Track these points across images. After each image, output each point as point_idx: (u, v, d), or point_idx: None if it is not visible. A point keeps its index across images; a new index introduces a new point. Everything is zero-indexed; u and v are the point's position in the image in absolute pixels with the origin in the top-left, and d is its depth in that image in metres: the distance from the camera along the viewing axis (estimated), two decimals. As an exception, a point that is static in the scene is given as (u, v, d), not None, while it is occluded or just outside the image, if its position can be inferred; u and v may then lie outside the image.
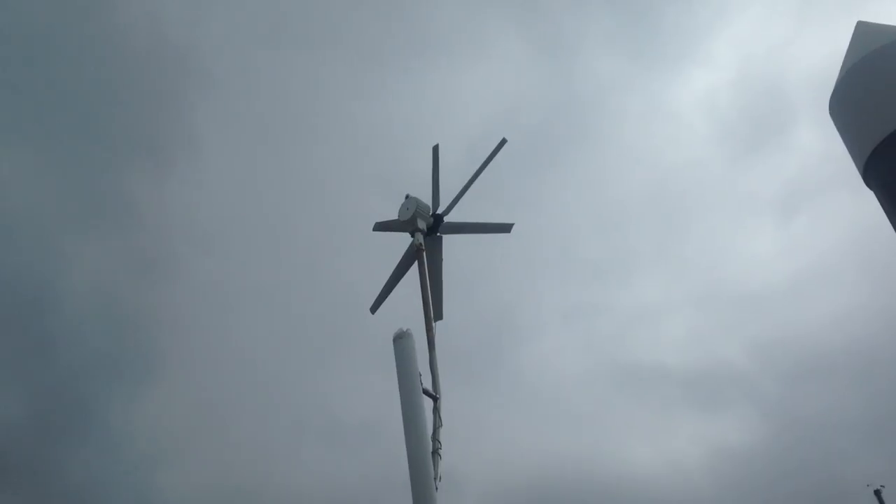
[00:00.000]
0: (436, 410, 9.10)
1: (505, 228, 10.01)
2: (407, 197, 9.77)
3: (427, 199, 10.13)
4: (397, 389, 8.64)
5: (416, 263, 9.68)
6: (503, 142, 9.99)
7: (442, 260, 9.92)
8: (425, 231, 9.69)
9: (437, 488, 8.43)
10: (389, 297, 10.37)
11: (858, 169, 17.10)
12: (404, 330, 8.79)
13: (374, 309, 10.34)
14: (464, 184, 10.31)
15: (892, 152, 16.10)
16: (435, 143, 10.41)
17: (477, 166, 10.35)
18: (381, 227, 10.08)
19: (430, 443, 8.73)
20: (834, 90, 17.56)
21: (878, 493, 32.40)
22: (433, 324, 9.27)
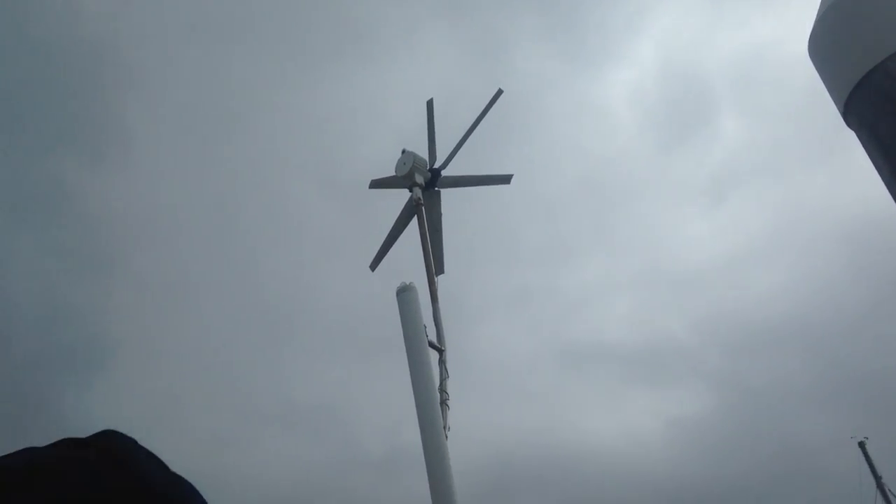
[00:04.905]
0: (442, 362, 9.20)
1: (504, 180, 9.98)
2: (403, 152, 9.62)
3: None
4: (402, 341, 8.71)
5: (415, 219, 9.66)
6: (499, 92, 9.88)
7: (441, 214, 9.90)
8: (423, 185, 9.63)
9: (446, 437, 8.57)
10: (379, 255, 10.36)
11: (839, 108, 17.22)
12: (407, 283, 8.82)
13: (373, 266, 10.35)
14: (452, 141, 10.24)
15: (871, 89, 16.18)
16: (429, 98, 10.27)
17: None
18: (378, 184, 9.98)
19: (438, 394, 8.84)
20: (812, 31, 17.48)
21: (862, 444, 33.58)
22: (435, 277, 9.31)
